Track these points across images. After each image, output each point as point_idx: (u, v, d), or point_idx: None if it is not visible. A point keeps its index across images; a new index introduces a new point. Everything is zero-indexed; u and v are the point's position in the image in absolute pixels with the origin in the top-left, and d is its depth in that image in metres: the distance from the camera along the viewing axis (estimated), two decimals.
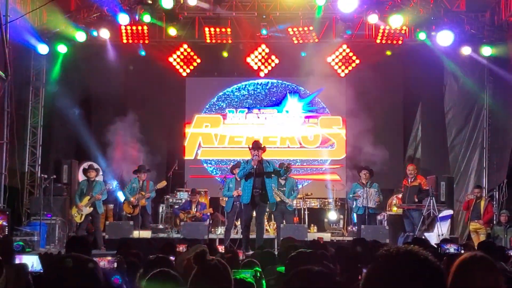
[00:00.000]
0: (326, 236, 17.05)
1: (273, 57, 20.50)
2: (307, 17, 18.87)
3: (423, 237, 15.13)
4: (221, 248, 13.59)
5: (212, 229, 18.33)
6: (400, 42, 19.00)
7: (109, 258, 7.06)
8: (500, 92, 18.68)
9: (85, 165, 18.21)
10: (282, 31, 19.10)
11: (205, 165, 21.16)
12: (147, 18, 18.03)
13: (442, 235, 16.09)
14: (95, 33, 18.54)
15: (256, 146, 14.64)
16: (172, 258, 7.79)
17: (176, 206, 18.69)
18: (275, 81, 21.18)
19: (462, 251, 7.89)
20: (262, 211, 15.10)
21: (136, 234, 16.59)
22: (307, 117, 21.22)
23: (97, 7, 18.26)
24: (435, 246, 9.51)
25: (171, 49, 20.39)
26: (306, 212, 18.24)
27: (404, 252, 2.53)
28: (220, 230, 18.02)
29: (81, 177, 18.54)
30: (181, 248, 12.25)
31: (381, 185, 17.87)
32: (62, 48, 18.91)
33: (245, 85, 21.31)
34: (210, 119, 21.24)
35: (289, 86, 21.22)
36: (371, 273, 2.55)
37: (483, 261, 4.03)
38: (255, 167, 14.41)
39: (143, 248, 14.60)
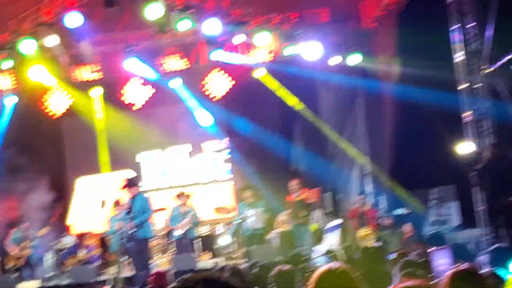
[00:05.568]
0: (220, 261, 16.81)
1: (148, 87, 20.22)
2: (174, 44, 18.78)
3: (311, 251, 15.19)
4: None
5: (105, 270, 17.87)
6: (271, 59, 19.15)
7: None
8: (373, 98, 19.00)
9: None
10: (151, 62, 18.95)
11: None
12: (7, 64, 17.49)
13: (332, 245, 16.13)
14: None
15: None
16: None
17: (62, 252, 18.08)
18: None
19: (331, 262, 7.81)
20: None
21: (22, 286, 15.96)
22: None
23: None
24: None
25: (42, 92, 19.86)
26: (197, 240, 17.85)
27: (203, 280, 2.36)
28: (112, 269, 17.56)
29: None
30: None
31: (269, 203, 17.87)
32: None
33: None
34: None
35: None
36: None
37: (340, 274, 3.98)
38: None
39: None
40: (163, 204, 18.94)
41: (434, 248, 6.67)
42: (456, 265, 4.28)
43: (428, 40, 15.75)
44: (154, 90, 20.24)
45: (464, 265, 4.19)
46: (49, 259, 18.37)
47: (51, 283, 16.95)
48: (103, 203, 16.73)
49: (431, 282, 5.51)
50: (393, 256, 10.70)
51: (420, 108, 16.28)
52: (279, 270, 7.18)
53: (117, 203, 15.85)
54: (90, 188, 20.83)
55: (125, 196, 14.53)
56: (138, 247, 14.52)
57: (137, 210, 14.23)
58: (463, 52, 16.22)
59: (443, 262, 6.52)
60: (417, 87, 16.38)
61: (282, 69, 19.43)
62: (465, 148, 16.15)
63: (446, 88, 16.12)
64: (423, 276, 5.35)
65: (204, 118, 20.41)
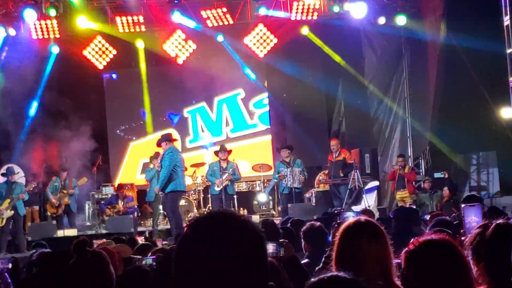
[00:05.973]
0: (255, 218, 16.82)
1: (190, 42, 20.07)
2: None
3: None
4: (140, 239, 13.36)
5: (142, 222, 18.09)
6: (315, 17, 18.88)
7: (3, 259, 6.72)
8: (417, 61, 18.74)
9: (4, 169, 17.61)
10: (196, 15, 18.81)
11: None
12: (53, 12, 17.50)
13: (369, 206, 16.02)
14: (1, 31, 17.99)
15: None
16: None
17: (102, 202, 18.30)
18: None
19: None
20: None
21: (60, 233, 16.20)
22: None
23: (2, 4, 17.68)
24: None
25: (85, 42, 19.84)
26: (235, 197, 17.91)
27: (220, 215, 2.29)
28: (150, 222, 17.74)
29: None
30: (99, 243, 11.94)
31: (308, 162, 17.80)
32: None
33: None
34: None
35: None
36: (185, 238, 2.26)
37: (368, 227, 3.89)
38: None
39: (65, 247, 14.40)
40: (206, 159, 19.06)
41: (465, 205, 6.55)
42: (485, 222, 4.14)
43: (476, 2, 15.42)
44: (197, 44, 20.06)
45: (500, 220, 4.03)
46: (88, 208, 18.66)
47: (89, 232, 17.20)
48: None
49: (462, 238, 5.39)
50: (427, 217, 10.60)
51: (466, 71, 16.01)
52: (310, 225, 7.15)
53: (157, 155, 15.92)
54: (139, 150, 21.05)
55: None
56: (166, 199, 14.64)
57: (165, 164, 14.34)
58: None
59: (473, 219, 6.37)
60: (463, 50, 16.09)
61: (327, 27, 19.21)
62: (509, 113, 15.80)
63: (493, 51, 15.77)
64: (452, 235, 5.25)
65: (247, 73, 20.37)
